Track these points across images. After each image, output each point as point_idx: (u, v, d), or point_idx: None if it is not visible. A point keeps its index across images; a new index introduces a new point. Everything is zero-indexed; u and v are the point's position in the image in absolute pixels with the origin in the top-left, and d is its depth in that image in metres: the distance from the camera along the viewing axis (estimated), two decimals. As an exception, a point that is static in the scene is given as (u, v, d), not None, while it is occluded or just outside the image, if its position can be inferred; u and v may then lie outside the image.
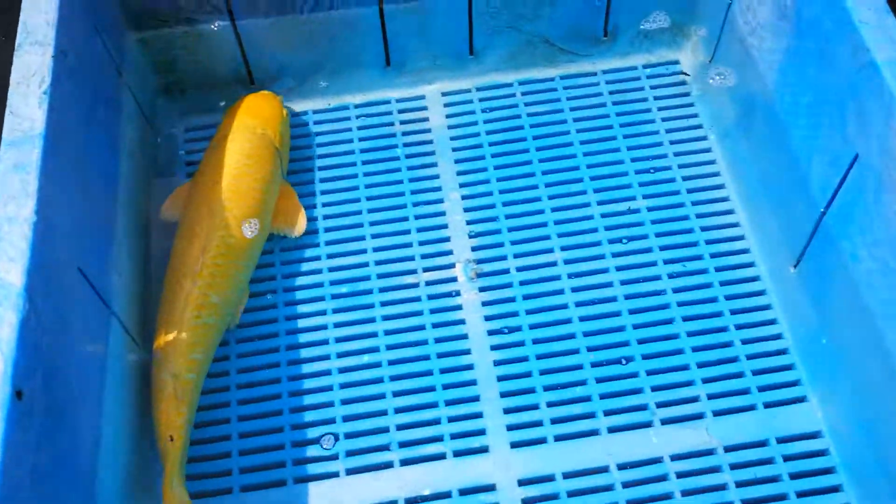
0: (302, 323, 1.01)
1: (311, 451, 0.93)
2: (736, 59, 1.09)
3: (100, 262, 0.86)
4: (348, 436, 0.94)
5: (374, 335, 1.00)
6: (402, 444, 0.93)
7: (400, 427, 0.94)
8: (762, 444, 0.93)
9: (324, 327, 1.01)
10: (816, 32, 0.89)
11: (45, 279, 0.71)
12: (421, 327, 1.01)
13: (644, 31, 1.18)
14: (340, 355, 0.99)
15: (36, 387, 0.67)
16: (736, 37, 1.07)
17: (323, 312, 1.02)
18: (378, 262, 1.05)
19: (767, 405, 0.95)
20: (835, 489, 0.90)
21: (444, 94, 1.18)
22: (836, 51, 0.85)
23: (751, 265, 1.04)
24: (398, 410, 0.95)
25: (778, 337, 0.99)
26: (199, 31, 1.09)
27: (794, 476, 0.90)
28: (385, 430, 0.94)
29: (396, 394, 0.96)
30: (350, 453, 0.93)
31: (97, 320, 0.84)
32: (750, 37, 1.03)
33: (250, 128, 1.04)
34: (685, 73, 1.17)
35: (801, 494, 0.89)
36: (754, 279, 1.03)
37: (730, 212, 1.08)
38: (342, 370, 0.98)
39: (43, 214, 0.72)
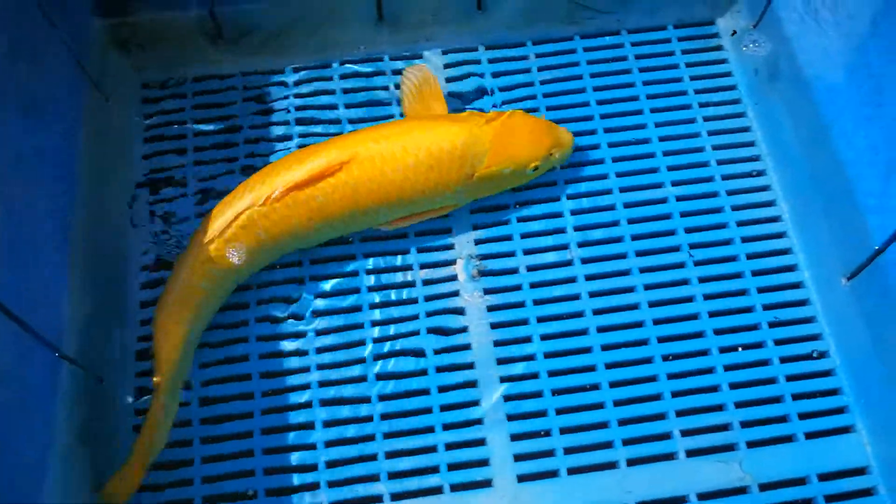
0: (277, 329, 0.87)
1: (285, 480, 0.80)
2: (791, 23, 0.94)
3: (38, 290, 0.70)
4: (330, 464, 0.81)
5: (361, 344, 0.86)
6: (393, 475, 0.81)
7: (390, 454, 0.82)
8: (801, 481, 0.81)
9: (302, 335, 0.87)
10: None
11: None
12: (415, 332, 0.87)
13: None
14: (321, 367, 0.85)
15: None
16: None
17: (301, 316, 0.88)
18: (366, 255, 0.91)
19: (809, 435, 0.83)
20: (882, 536, 0.79)
21: (445, 54, 1.02)
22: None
23: (793, 268, 0.91)
24: (388, 435, 0.83)
25: (823, 355, 0.87)
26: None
27: (838, 521, 0.80)
28: (373, 457, 0.82)
29: (386, 416, 0.83)
30: (332, 484, 0.81)
31: (36, 366, 0.69)
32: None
33: (472, 141, 0.86)
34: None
35: (845, 543, 0.79)
36: (797, 285, 0.90)
37: (770, 203, 0.94)
38: (322, 384, 0.85)
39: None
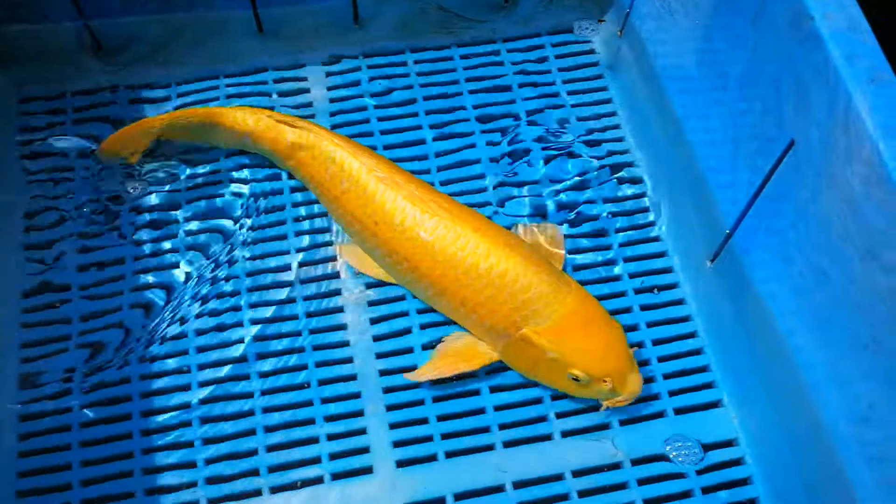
0: (156, 332, 0.88)
1: (164, 479, 0.81)
2: (650, 20, 0.98)
3: None
4: (210, 461, 0.82)
5: (240, 342, 0.88)
6: (273, 469, 0.82)
7: (271, 448, 0.83)
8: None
9: (183, 335, 0.88)
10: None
11: None
12: (297, 333, 0.88)
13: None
14: (201, 367, 0.86)
15: None
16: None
17: (183, 318, 0.89)
18: (249, 258, 0.92)
19: (679, 411, 0.86)
20: (751, 503, 0.82)
21: (325, 64, 1.05)
22: (774, 14, 0.73)
23: (663, 255, 0.95)
24: (269, 429, 0.84)
25: (693, 335, 0.91)
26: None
27: (708, 490, 0.82)
28: (253, 452, 0.82)
29: (267, 409, 0.84)
30: (211, 480, 0.81)
31: None
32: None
33: (547, 300, 0.80)
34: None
35: (714, 511, 0.82)
36: (667, 270, 0.94)
37: (641, 195, 0.99)
38: (202, 384, 0.85)
39: None
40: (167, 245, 0.92)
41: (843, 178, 0.63)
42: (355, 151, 0.88)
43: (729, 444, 0.85)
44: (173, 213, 0.94)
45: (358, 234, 0.89)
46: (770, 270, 0.80)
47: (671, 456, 0.84)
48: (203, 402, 0.84)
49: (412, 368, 0.86)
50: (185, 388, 0.85)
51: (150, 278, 0.90)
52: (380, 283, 0.91)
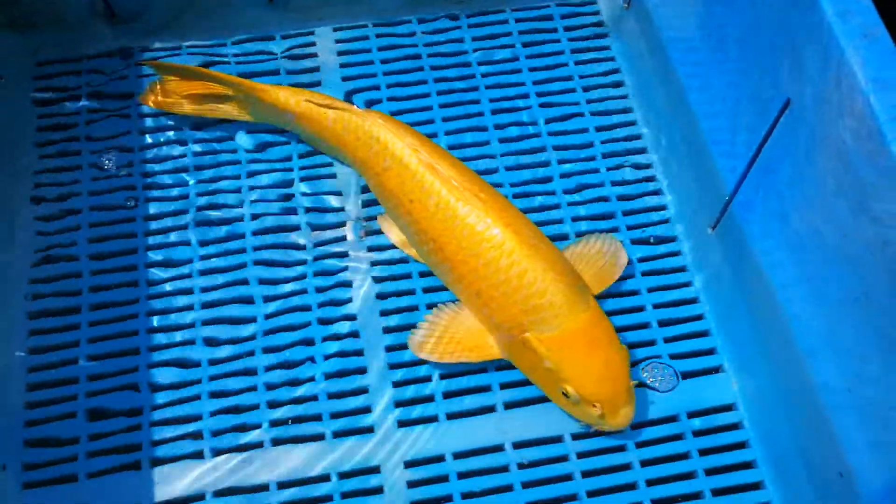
0: (163, 287, 0.90)
1: (169, 431, 0.83)
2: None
3: None
4: (213, 413, 0.84)
5: (248, 301, 0.89)
6: (274, 423, 0.83)
7: (272, 404, 0.84)
8: (672, 418, 0.85)
9: (189, 291, 0.90)
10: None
11: None
12: (303, 291, 0.90)
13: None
14: (206, 322, 0.88)
15: None
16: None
17: (188, 275, 0.91)
18: (254, 216, 0.94)
19: (684, 376, 0.87)
20: (748, 465, 0.83)
21: (335, 31, 1.06)
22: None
23: (666, 221, 0.96)
24: (270, 386, 0.85)
25: (695, 301, 0.91)
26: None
27: (705, 452, 0.83)
28: (255, 406, 0.84)
29: (269, 367, 0.86)
30: (215, 433, 0.83)
31: None
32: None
33: (561, 310, 0.79)
34: None
35: (710, 472, 0.82)
36: (671, 239, 0.95)
37: (647, 165, 0.99)
38: (208, 341, 0.87)
39: None
40: (171, 208, 0.95)
41: (836, 134, 0.63)
42: (398, 131, 0.88)
43: (728, 408, 0.86)
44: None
45: (393, 210, 0.90)
46: (768, 234, 0.80)
47: (648, 382, 0.86)
48: (212, 362, 0.86)
49: (416, 326, 0.87)
50: (190, 342, 0.87)
51: (161, 238, 0.92)
52: (384, 246, 0.92)
